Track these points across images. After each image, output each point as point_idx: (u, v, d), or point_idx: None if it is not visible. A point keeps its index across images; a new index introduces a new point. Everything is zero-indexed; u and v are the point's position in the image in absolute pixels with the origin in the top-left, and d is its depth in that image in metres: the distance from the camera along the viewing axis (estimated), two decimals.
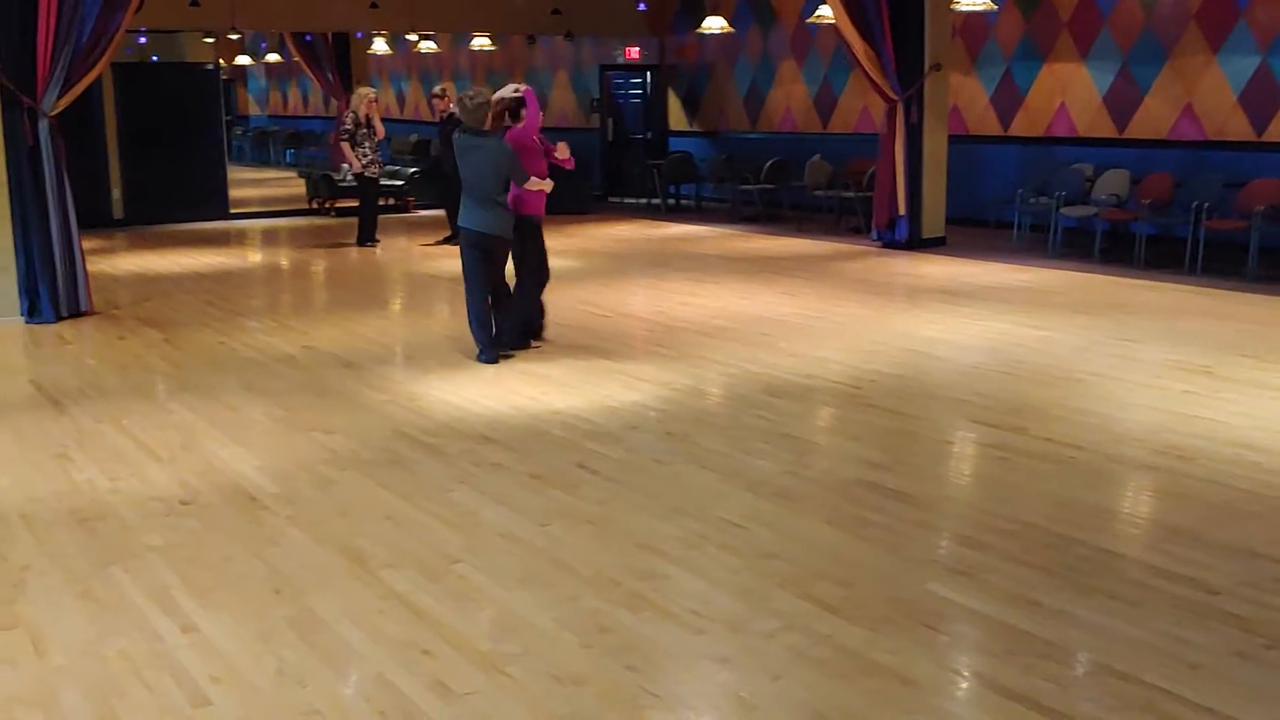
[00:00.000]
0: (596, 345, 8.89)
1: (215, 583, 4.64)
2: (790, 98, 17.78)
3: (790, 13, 17.50)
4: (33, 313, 9.88)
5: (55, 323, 9.85)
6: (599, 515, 5.36)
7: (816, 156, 16.08)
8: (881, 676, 3.84)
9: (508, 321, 8.57)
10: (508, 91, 8.45)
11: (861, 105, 16.62)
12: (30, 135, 9.78)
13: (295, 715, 3.64)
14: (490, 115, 8.24)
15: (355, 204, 15.39)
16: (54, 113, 9.84)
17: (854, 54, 13.55)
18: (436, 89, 14.58)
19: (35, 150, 9.80)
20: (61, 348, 8.97)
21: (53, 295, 9.90)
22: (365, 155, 14.14)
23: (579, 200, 18.15)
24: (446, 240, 14.26)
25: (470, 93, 8.28)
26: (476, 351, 8.37)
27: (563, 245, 14.60)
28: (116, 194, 16.60)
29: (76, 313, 10.12)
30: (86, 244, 10.69)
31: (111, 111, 16.47)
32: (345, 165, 14.51)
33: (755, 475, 5.87)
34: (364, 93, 14.51)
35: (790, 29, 17.59)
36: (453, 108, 14.13)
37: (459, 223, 8.39)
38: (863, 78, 14.07)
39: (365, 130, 14.11)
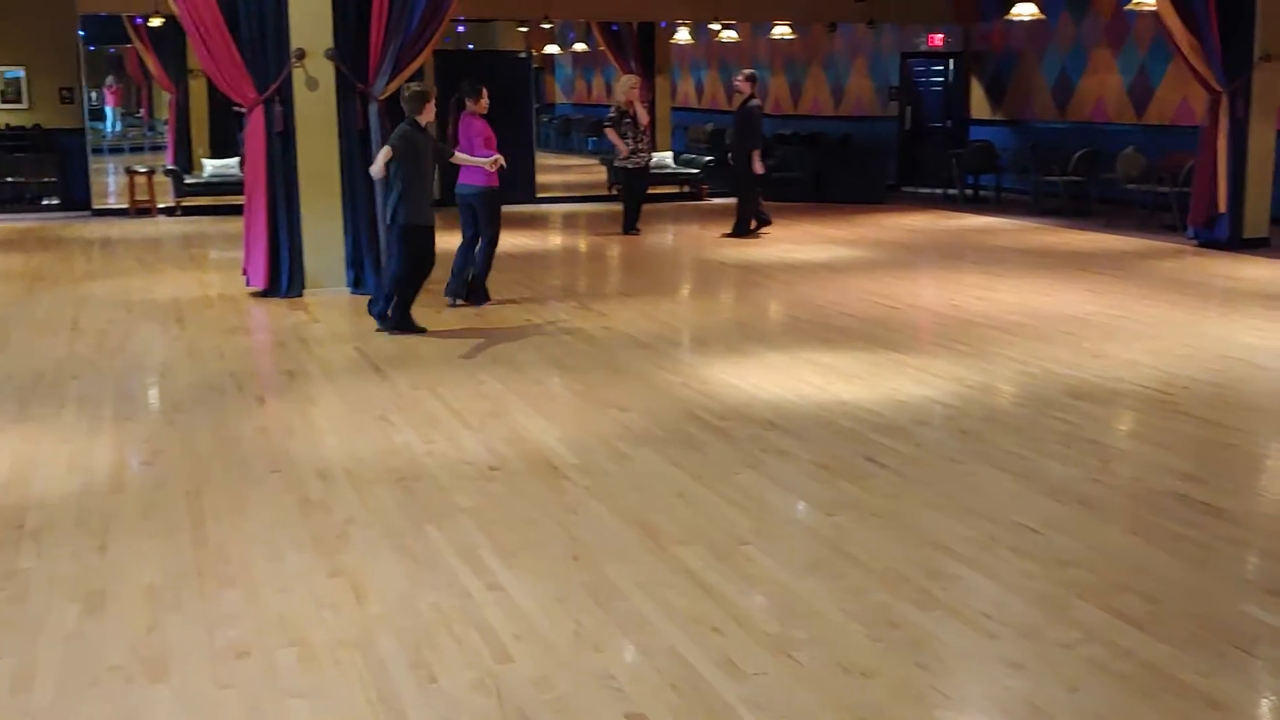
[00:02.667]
0: (885, 337, 8.80)
1: (519, 545, 4.89)
2: (1103, 87, 16.96)
3: None
4: (358, 284, 10.60)
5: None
6: (887, 509, 5.31)
7: (1130, 148, 15.29)
8: (1188, 697, 3.66)
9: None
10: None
11: (1180, 96, 15.68)
12: (361, 119, 10.49)
13: (590, 678, 3.80)
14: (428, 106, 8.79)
15: (654, 192, 15.67)
16: (382, 97, 10.51)
17: (1175, 42, 12.81)
18: (749, 71, 14.53)
19: (365, 133, 10.51)
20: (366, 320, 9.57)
21: (376, 269, 10.58)
22: (628, 144, 14.04)
23: (870, 190, 17.94)
24: (740, 233, 14.28)
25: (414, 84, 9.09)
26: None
27: (852, 235, 14.49)
28: (434, 176, 17.53)
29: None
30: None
31: (452, 98, 17.38)
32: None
33: (1054, 480, 5.68)
34: (625, 81, 14.56)
35: (1106, 16, 16.77)
36: (752, 99, 14.13)
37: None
38: (1184, 68, 13.28)
39: (630, 120, 14.03)
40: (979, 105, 19.26)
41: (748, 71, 14.49)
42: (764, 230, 14.23)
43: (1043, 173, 16.33)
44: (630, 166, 14.30)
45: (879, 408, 6.89)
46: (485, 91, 9.79)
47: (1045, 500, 5.40)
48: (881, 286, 10.91)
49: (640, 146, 14.20)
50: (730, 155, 14.77)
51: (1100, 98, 17.01)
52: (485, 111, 9.80)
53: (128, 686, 3.77)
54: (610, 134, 14.18)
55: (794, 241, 13.94)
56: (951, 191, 17.92)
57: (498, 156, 9.33)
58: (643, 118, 14.18)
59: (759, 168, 14.01)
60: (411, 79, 10.38)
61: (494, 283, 10.18)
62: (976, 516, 5.18)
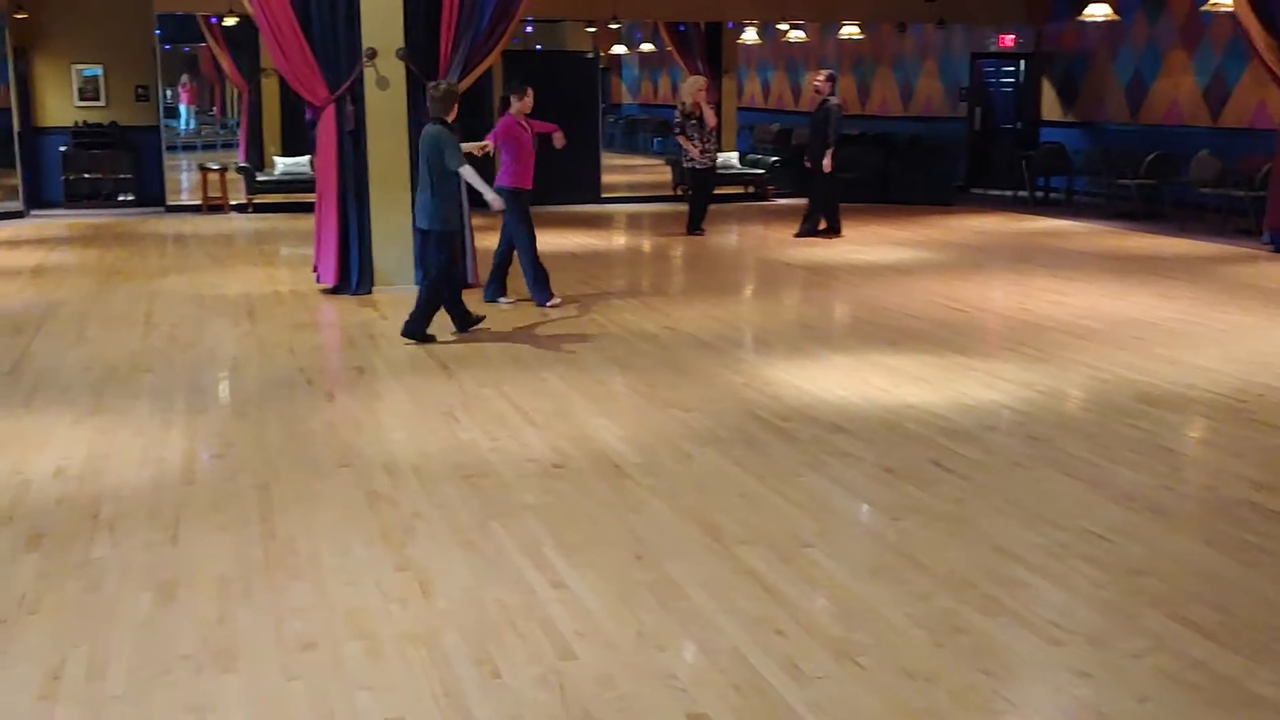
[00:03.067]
0: (953, 340, 8.71)
1: (582, 543, 4.91)
2: (1177, 89, 16.68)
3: (1182, 0, 16.40)
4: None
5: None
6: (954, 514, 5.27)
7: (1204, 151, 15.02)
8: (1261, 709, 3.59)
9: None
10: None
11: (1257, 99, 15.36)
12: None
13: (653, 678, 3.81)
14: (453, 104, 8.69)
15: (719, 192, 15.64)
16: None
17: (1253, 44, 12.58)
18: (828, 71, 14.45)
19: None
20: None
21: None
22: (695, 145, 14.01)
23: (939, 191, 17.78)
24: (806, 232, 14.21)
25: (434, 82, 8.87)
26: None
27: (920, 237, 14.36)
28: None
29: (464, 284, 10.83)
30: (473, 221, 11.41)
31: (499, 97, 17.52)
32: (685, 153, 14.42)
33: (1125, 487, 5.60)
34: (692, 82, 14.49)
35: (1181, 17, 16.48)
36: (830, 99, 14.03)
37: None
38: (1261, 70, 13.04)
39: (695, 121, 13.98)
40: (1050, 106, 19.02)
41: (827, 71, 14.43)
42: (833, 237, 14.12)
43: (1114, 175, 16.08)
44: (697, 167, 14.27)
45: (946, 412, 6.83)
46: (530, 91, 9.77)
47: (1115, 507, 5.32)
48: (950, 289, 10.81)
49: (707, 147, 14.17)
50: (806, 155, 14.67)
51: (1174, 100, 16.73)
52: (528, 111, 9.75)
53: (198, 676, 3.84)
54: (682, 140, 14.19)
55: (861, 243, 13.85)
56: (1021, 193, 17.71)
57: (485, 143, 9.35)
58: (710, 119, 14.11)
59: (826, 165, 13.92)
60: (479, 79, 10.45)
61: (557, 283, 10.18)
62: (1045, 523, 5.13)
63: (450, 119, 8.65)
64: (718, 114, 16.26)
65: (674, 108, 14.80)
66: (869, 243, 13.88)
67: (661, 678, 3.81)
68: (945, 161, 18.43)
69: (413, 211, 8.71)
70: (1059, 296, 10.42)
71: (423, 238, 8.73)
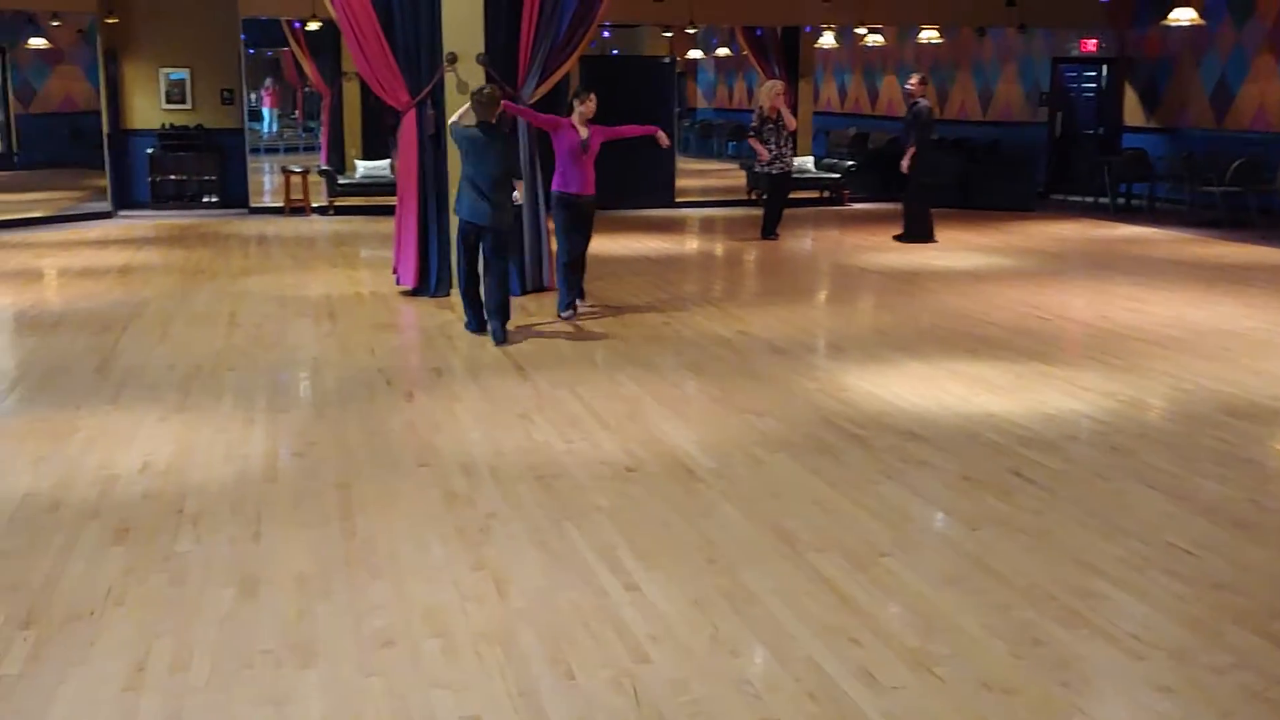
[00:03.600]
0: (1033, 348, 8.60)
1: (655, 547, 4.92)
2: (1264, 95, 16.31)
3: (1270, 4, 16.03)
4: None
5: (520, 295, 10.58)
6: (1034, 525, 5.20)
7: None
8: None
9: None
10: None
11: None
12: (509, 122, 10.64)
13: (727, 683, 3.81)
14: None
15: (794, 197, 15.58)
16: (531, 101, 10.66)
17: None
18: (921, 74, 14.38)
19: (513, 136, 10.67)
20: (525, 318, 9.70)
21: (520, 270, 10.72)
22: (771, 150, 13.99)
23: (1019, 197, 17.55)
24: (902, 237, 14.11)
25: (483, 87, 8.97)
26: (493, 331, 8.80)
27: (999, 243, 14.19)
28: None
29: (539, 288, 10.91)
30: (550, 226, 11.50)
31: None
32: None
33: (1209, 500, 5.49)
34: (770, 86, 14.44)
35: (1269, 22, 16.11)
36: (919, 101, 13.93)
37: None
38: None
39: (771, 125, 13.95)
40: (1132, 112, 18.70)
41: (919, 74, 14.33)
42: (908, 243, 13.97)
43: (1198, 183, 15.76)
44: (774, 172, 14.22)
45: (1025, 421, 6.75)
46: (593, 96, 9.65)
47: (1199, 520, 5.22)
48: (1029, 296, 10.67)
49: (784, 151, 14.12)
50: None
51: (1261, 105, 16.36)
52: (590, 116, 9.62)
53: (278, 671, 3.91)
54: (753, 143, 14.17)
55: (939, 248, 13.71)
56: (1103, 200, 17.43)
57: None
58: (790, 122, 14.06)
59: (904, 165, 13.83)
60: (558, 85, 10.48)
61: (633, 286, 10.20)
62: (1126, 535, 5.04)
63: (493, 121, 8.78)
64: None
65: (749, 112, 14.76)
66: (948, 248, 13.74)
67: (735, 683, 3.81)
68: (1025, 167, 18.20)
69: (463, 208, 8.76)
70: (1141, 305, 10.24)
71: (481, 235, 8.75)
